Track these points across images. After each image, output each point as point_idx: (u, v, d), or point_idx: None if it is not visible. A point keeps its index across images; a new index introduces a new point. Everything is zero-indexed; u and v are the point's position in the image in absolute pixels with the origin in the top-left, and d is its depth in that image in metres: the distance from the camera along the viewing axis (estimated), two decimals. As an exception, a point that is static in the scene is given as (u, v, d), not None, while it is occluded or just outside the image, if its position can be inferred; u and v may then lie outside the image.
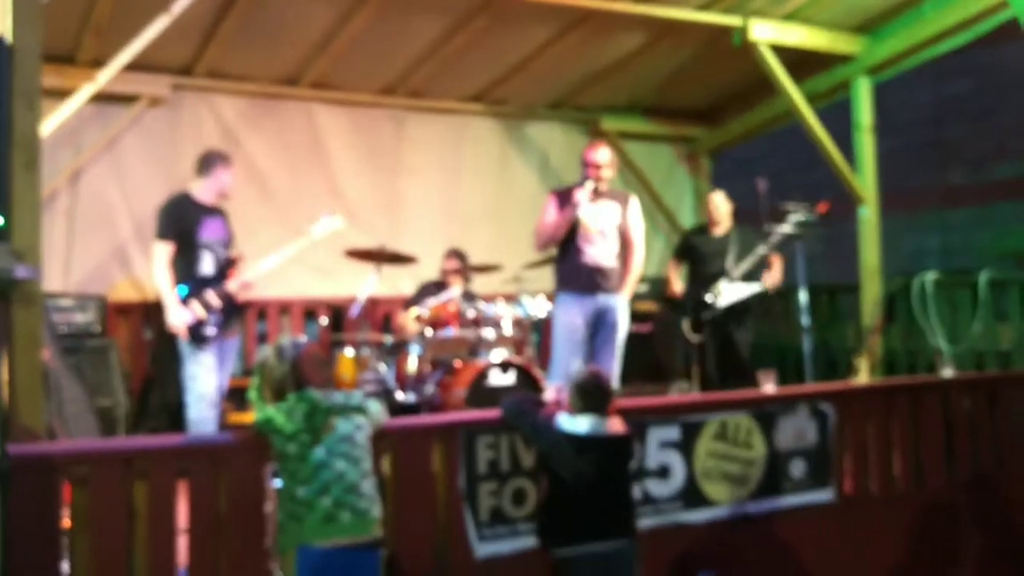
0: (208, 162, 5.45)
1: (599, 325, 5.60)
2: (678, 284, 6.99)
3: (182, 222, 5.30)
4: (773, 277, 6.63)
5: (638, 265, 5.79)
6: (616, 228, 5.66)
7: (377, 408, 3.48)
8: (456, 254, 6.99)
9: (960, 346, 7.14)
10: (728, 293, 6.55)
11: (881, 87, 7.76)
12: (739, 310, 6.63)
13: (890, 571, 4.72)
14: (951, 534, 4.97)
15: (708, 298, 6.56)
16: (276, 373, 3.39)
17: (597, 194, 5.61)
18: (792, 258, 6.54)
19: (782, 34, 7.16)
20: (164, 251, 5.25)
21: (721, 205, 6.93)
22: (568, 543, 3.59)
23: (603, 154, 5.65)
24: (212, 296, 5.24)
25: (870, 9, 7.25)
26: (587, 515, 3.57)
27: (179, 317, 5.16)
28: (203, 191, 5.44)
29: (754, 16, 7.01)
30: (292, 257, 5.65)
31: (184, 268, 5.28)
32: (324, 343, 7.02)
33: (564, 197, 5.68)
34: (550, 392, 4.93)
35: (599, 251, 5.60)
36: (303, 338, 3.79)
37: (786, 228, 6.34)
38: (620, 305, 5.65)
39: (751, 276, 6.61)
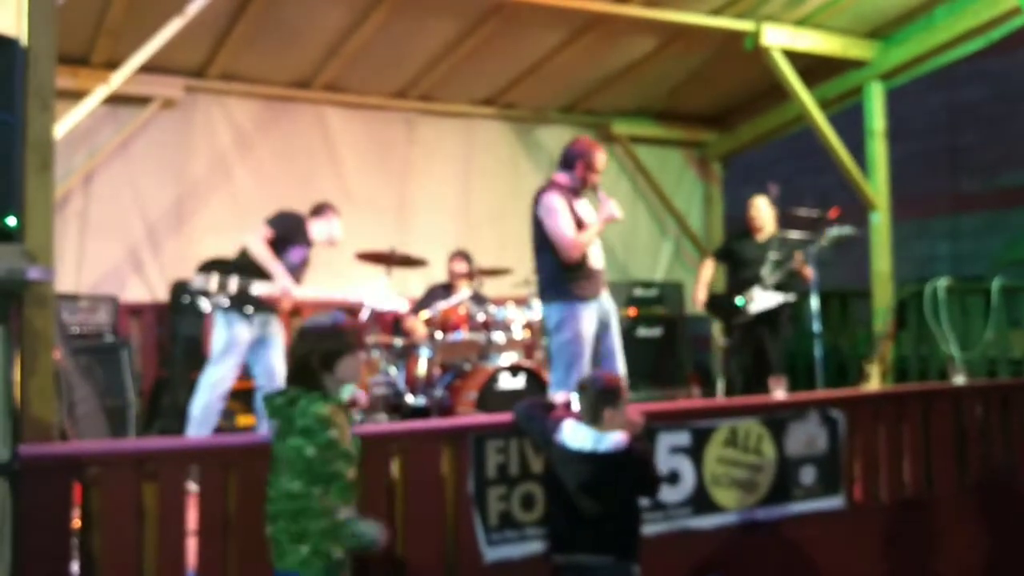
0: (319, 207, 5.93)
1: (604, 329, 5.35)
2: (703, 291, 6.87)
3: (289, 230, 5.65)
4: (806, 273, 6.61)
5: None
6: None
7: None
8: (463, 256, 7.00)
9: (972, 353, 7.12)
10: (760, 300, 6.51)
11: (893, 93, 7.74)
12: (773, 318, 6.60)
13: (900, 579, 4.71)
14: (962, 542, 4.95)
15: (739, 302, 6.54)
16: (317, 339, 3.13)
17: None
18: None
19: (794, 39, 7.14)
20: (263, 232, 5.53)
21: (763, 209, 6.83)
22: (555, 549, 3.61)
23: (605, 160, 5.48)
24: (232, 283, 5.40)
25: (883, 15, 7.23)
26: (570, 525, 3.58)
27: (286, 281, 5.48)
28: (315, 229, 5.85)
29: (766, 21, 7.00)
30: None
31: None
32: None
33: (566, 196, 5.34)
34: (560, 396, 4.93)
35: (597, 254, 5.38)
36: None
37: (824, 241, 6.32)
38: (613, 304, 5.44)
39: (784, 286, 6.57)
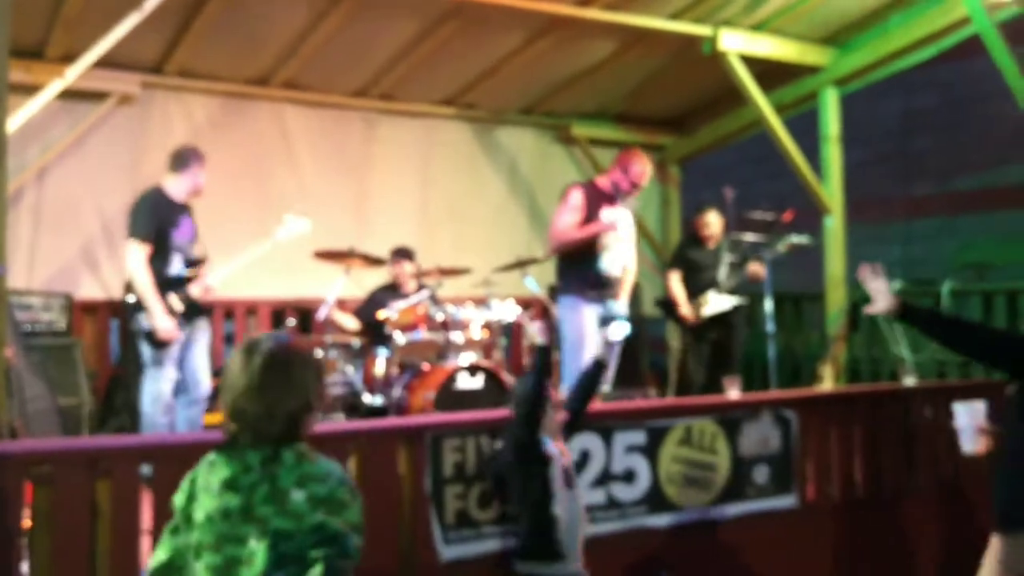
0: (184, 158, 5.46)
1: (604, 335, 5.55)
2: (688, 308, 6.94)
3: (160, 221, 5.30)
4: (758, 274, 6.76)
5: (633, 272, 5.86)
6: (628, 235, 5.70)
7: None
8: (408, 255, 6.99)
9: (922, 355, 7.24)
10: (713, 304, 6.69)
11: (848, 99, 7.86)
12: (728, 321, 6.77)
13: (850, 576, 4.78)
14: (912, 541, 5.04)
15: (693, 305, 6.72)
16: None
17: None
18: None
19: (751, 44, 7.23)
20: (142, 252, 5.21)
21: (714, 223, 7.04)
22: None
23: (648, 173, 5.62)
24: (175, 300, 5.24)
25: (838, 22, 7.34)
26: None
27: (167, 322, 5.18)
28: (177, 188, 5.44)
29: (724, 26, 7.08)
30: (260, 258, 5.66)
31: (154, 269, 5.27)
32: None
33: (591, 197, 5.57)
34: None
35: (613, 259, 5.58)
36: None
37: (781, 247, 6.47)
38: (624, 312, 5.66)
39: (737, 289, 6.76)
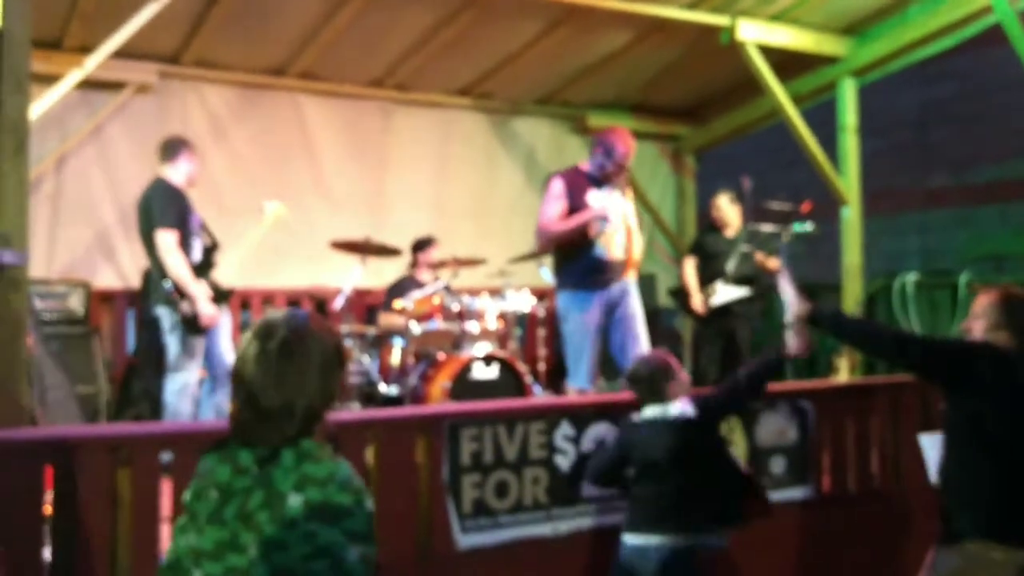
0: (174, 146, 5.51)
1: (617, 317, 5.31)
2: (699, 298, 6.93)
3: (181, 209, 5.35)
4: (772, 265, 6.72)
5: (640, 251, 5.59)
6: (622, 217, 5.37)
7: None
8: (429, 242, 7.01)
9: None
10: (722, 294, 6.68)
11: (866, 89, 7.82)
12: (734, 310, 6.76)
13: (867, 569, 4.77)
14: (928, 533, 5.01)
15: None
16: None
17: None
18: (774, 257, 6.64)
19: (769, 34, 7.20)
20: (175, 239, 5.23)
21: (724, 208, 7.01)
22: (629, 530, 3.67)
23: (633, 152, 5.29)
24: (204, 286, 5.28)
25: (856, 11, 7.30)
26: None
27: (211, 308, 5.23)
28: (177, 176, 5.48)
29: (741, 16, 7.05)
30: (277, 248, 5.71)
31: None
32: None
33: (573, 183, 5.26)
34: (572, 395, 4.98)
35: (611, 244, 5.28)
36: None
37: (785, 237, 6.42)
38: (632, 290, 5.38)
39: (747, 280, 6.74)
